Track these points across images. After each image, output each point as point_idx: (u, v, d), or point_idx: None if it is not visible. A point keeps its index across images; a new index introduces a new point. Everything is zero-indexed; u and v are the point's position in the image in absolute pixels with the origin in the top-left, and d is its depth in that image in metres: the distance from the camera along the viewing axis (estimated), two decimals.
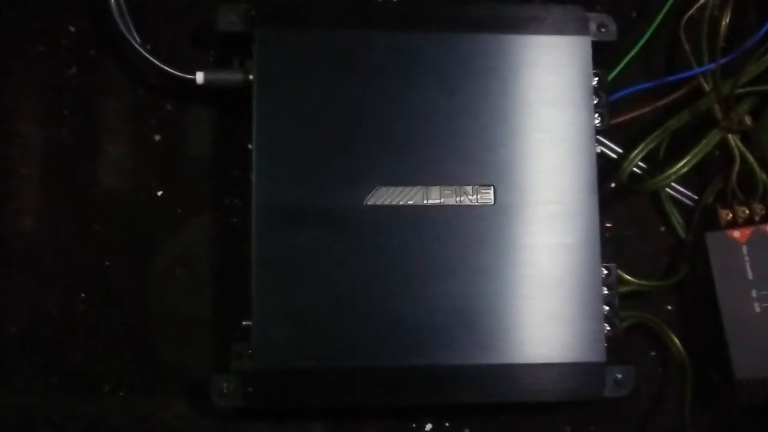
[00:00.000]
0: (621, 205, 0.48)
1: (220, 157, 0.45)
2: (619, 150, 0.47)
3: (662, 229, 0.48)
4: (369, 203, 0.41)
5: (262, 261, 0.40)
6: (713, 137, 0.45)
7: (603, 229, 0.47)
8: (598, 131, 0.45)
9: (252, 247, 0.41)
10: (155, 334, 0.44)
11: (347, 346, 0.41)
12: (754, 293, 0.43)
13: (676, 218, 0.47)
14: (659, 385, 0.47)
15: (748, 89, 0.46)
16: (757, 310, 0.43)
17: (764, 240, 0.44)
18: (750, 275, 0.44)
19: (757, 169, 0.45)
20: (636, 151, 0.46)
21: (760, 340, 0.43)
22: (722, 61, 0.44)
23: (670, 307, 0.47)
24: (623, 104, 0.47)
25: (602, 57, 0.46)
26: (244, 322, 0.41)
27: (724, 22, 0.44)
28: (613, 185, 0.47)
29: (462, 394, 0.42)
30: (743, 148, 0.45)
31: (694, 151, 0.44)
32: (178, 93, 0.45)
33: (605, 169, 0.47)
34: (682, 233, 0.47)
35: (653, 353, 0.47)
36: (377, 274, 0.41)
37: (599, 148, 0.45)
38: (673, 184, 0.47)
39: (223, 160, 0.45)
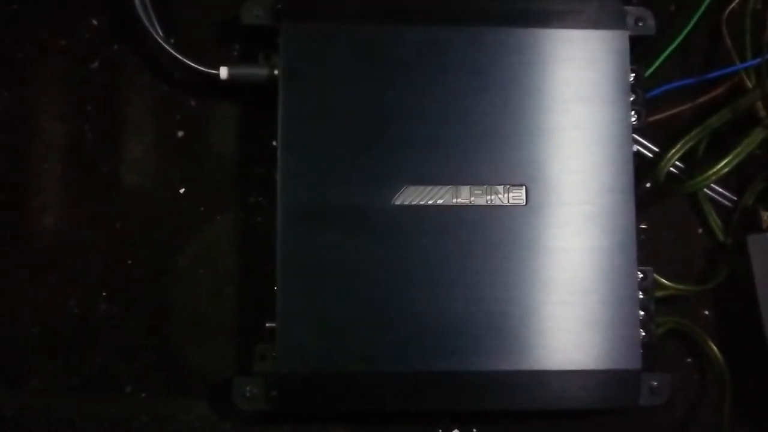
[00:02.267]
0: (657, 206, 0.46)
1: (244, 154, 0.45)
2: (656, 149, 0.46)
3: (700, 231, 0.46)
4: (397, 203, 0.40)
5: (286, 262, 0.39)
6: (756, 136, 0.43)
7: (639, 231, 0.45)
8: (635, 129, 0.43)
9: (276, 247, 0.40)
10: (177, 334, 0.43)
11: (373, 350, 0.39)
12: None
13: (715, 220, 0.45)
14: (696, 394, 0.45)
15: None
16: None
17: None
18: None
19: None
20: (674, 150, 0.44)
21: None
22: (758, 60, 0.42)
23: (707, 313, 0.46)
24: (661, 101, 0.45)
25: (640, 52, 0.44)
26: (267, 324, 0.40)
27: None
28: (648, 185, 0.46)
29: (490, 400, 0.41)
30: None
31: (737, 151, 0.42)
32: (201, 88, 0.44)
33: (641, 168, 0.45)
34: (720, 236, 0.45)
35: (690, 360, 0.45)
36: (404, 276, 0.40)
37: (636, 147, 0.43)
38: (714, 185, 0.45)
39: (247, 158, 0.45)
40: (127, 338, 0.43)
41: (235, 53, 0.45)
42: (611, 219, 0.41)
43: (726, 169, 0.42)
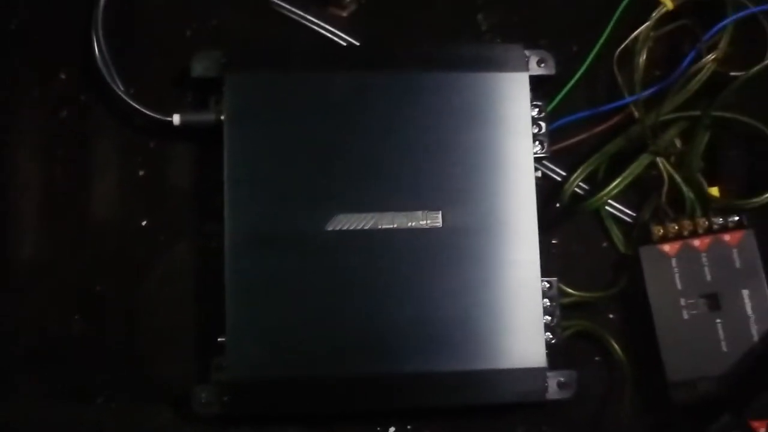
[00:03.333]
0: (567, 223, 0.52)
1: (198, 188, 0.50)
2: (564, 173, 0.52)
3: (605, 244, 0.52)
4: (329, 229, 0.46)
5: (234, 282, 0.45)
6: (643, 161, 0.49)
7: (548, 246, 0.51)
8: (541, 157, 0.49)
9: (225, 269, 0.45)
10: (144, 350, 0.49)
11: (312, 357, 0.45)
12: (682, 302, 0.48)
13: (617, 234, 0.51)
14: (604, 389, 0.51)
15: (678, 114, 0.50)
16: (686, 317, 0.47)
17: (691, 253, 0.48)
18: (679, 285, 0.48)
19: (684, 188, 0.49)
20: (576, 174, 0.50)
21: (689, 344, 0.47)
22: (646, 93, 0.48)
23: (612, 316, 0.51)
24: (569, 131, 0.51)
25: (547, 89, 0.51)
26: (219, 339, 0.46)
27: (639, 62, 0.49)
28: (558, 205, 0.52)
29: (422, 398, 0.46)
30: (671, 170, 0.49)
31: (625, 174, 0.49)
32: (159, 133, 0.50)
33: (552, 190, 0.52)
34: (622, 248, 0.51)
35: (597, 359, 0.51)
36: (338, 292, 0.46)
37: (539, 172, 0.49)
38: (613, 203, 0.51)
39: (201, 191, 0.50)
40: (98, 354, 0.49)
41: (190, 99, 0.51)
42: (517, 236, 0.47)
43: (616, 191, 0.48)
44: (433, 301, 0.46)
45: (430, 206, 0.47)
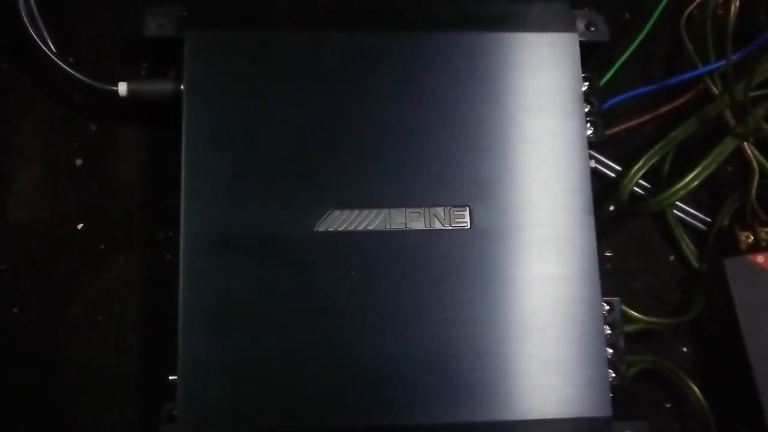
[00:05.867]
0: (623, 231, 0.42)
1: (152, 184, 0.39)
2: (618, 167, 0.41)
3: (672, 258, 0.41)
4: (320, 230, 0.35)
5: (190, 302, 0.33)
6: (726, 146, 0.38)
7: (603, 259, 0.40)
8: (592, 143, 0.38)
9: (179, 285, 0.34)
10: (69, 393, 0.37)
11: (294, 405, 0.33)
12: None
13: (687, 244, 0.40)
14: None
15: (765, 91, 0.40)
16: None
17: None
18: None
19: None
20: (636, 167, 0.39)
21: None
22: (733, 58, 0.38)
23: (686, 350, 0.40)
24: (621, 114, 0.41)
25: (595, 61, 0.40)
26: (170, 377, 0.34)
27: (731, 18, 0.39)
28: (612, 208, 0.41)
29: None
30: (762, 159, 0.39)
31: (705, 162, 0.38)
32: (102, 111, 0.39)
33: (603, 190, 0.41)
34: (695, 262, 0.40)
35: (668, 405, 0.40)
36: (330, 315, 0.34)
37: (593, 162, 0.38)
38: (681, 204, 0.41)
39: (155, 188, 0.39)
40: (10, 398, 0.37)
41: (145, 71, 0.40)
42: (569, 243, 0.36)
43: (695, 183, 0.38)
44: (458, 329, 0.34)
45: (454, 202, 0.36)
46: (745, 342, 0.37)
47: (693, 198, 0.42)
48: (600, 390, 0.35)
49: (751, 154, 0.38)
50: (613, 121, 0.41)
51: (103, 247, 0.39)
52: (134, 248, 0.39)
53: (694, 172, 0.38)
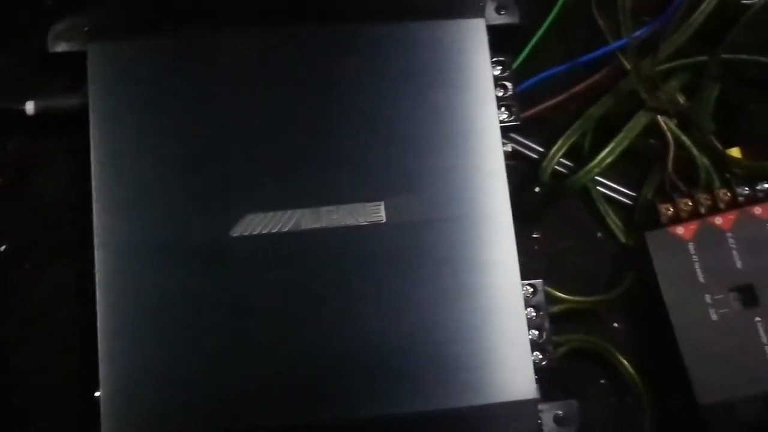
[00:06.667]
0: (551, 212, 0.41)
1: (75, 198, 0.39)
2: (541, 149, 0.41)
3: (599, 234, 0.41)
4: (235, 235, 0.35)
5: (107, 314, 0.34)
6: (639, 121, 0.38)
7: (530, 241, 0.40)
8: (508, 126, 0.39)
9: (97, 296, 0.34)
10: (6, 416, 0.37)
11: (219, 408, 0.33)
12: (708, 299, 0.36)
13: (613, 220, 0.40)
14: (616, 420, 0.39)
15: (679, 62, 0.40)
16: (714, 318, 0.36)
17: (714, 235, 0.37)
18: (701, 278, 0.37)
19: (696, 153, 0.38)
20: (556, 147, 0.39)
21: (722, 354, 0.36)
22: (637, 33, 0.38)
23: (617, 326, 0.40)
24: (545, 95, 0.41)
25: (512, 44, 0.40)
26: (96, 394, 0.34)
27: None
28: (537, 190, 0.41)
29: None
30: (678, 131, 0.39)
31: (617, 139, 0.38)
32: (16, 129, 0.39)
33: (529, 171, 0.41)
34: (622, 237, 0.40)
35: (603, 381, 0.40)
36: (251, 318, 0.34)
37: (509, 146, 0.38)
38: (605, 180, 0.41)
39: (80, 203, 0.38)
40: None
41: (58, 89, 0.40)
42: (486, 229, 0.36)
43: (610, 159, 0.38)
44: (381, 323, 0.35)
45: (368, 197, 0.36)
46: (670, 315, 0.37)
47: (620, 173, 0.42)
48: (524, 373, 0.35)
49: (665, 127, 0.38)
50: (532, 102, 0.41)
51: (27, 267, 0.38)
52: (60, 266, 0.38)
53: (608, 149, 0.38)
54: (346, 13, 0.38)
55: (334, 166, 0.36)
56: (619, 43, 0.39)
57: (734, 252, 0.37)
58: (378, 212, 0.36)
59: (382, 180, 0.36)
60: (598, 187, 0.41)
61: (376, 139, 0.36)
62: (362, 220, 0.35)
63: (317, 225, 0.35)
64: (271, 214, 0.35)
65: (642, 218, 0.40)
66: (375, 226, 0.35)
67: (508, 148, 0.38)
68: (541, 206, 0.41)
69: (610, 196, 0.41)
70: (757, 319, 0.36)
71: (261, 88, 0.36)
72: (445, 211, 0.36)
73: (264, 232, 0.35)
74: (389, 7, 0.38)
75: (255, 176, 0.35)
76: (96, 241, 0.34)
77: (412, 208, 0.36)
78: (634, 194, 0.41)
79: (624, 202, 0.41)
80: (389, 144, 0.36)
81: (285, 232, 0.35)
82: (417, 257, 0.35)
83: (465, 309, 0.35)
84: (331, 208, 0.35)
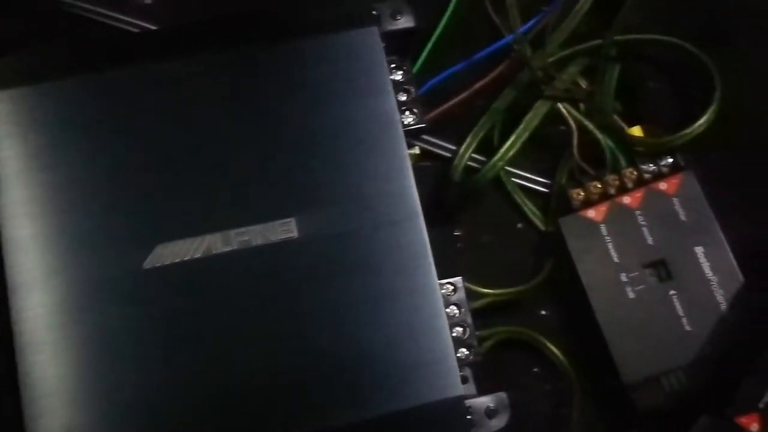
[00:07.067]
0: (471, 208, 0.42)
1: None
2: (454, 147, 0.42)
3: (520, 225, 0.42)
4: (149, 267, 0.35)
5: (25, 355, 0.34)
6: (539, 110, 0.39)
7: (451, 240, 0.41)
8: (414, 130, 0.39)
9: (13, 338, 0.34)
10: None
11: None
12: (623, 277, 0.37)
13: (531, 209, 0.41)
14: (551, 405, 0.40)
15: (575, 48, 0.40)
16: (631, 296, 0.37)
17: (623, 214, 0.38)
18: (615, 257, 0.37)
19: (600, 136, 0.39)
20: (465, 144, 0.40)
21: (642, 331, 0.36)
22: (524, 28, 0.38)
23: (544, 313, 0.41)
24: (450, 94, 0.41)
25: (414, 48, 0.41)
26: None
27: None
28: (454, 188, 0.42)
29: None
30: (580, 117, 0.39)
31: (519, 130, 0.38)
32: None
33: (445, 172, 0.42)
34: (541, 225, 0.41)
35: (536, 369, 0.40)
36: (172, 348, 0.34)
37: (416, 149, 0.38)
38: (520, 171, 0.41)
39: None
40: None
41: None
42: (398, 234, 0.36)
43: (512, 152, 0.38)
44: (301, 338, 0.35)
45: (278, 214, 0.36)
46: (588, 296, 0.37)
47: (534, 162, 0.42)
48: (448, 371, 0.35)
49: (567, 113, 0.39)
50: (438, 103, 0.41)
51: None
52: None
53: (509, 142, 0.38)
54: (242, 37, 0.38)
55: (242, 188, 0.36)
56: (508, 38, 0.39)
57: (644, 229, 0.37)
58: (289, 229, 0.36)
59: (292, 196, 0.36)
60: (513, 179, 0.41)
61: (282, 157, 0.36)
62: (274, 239, 0.36)
63: (229, 248, 0.35)
64: (181, 242, 0.35)
65: (557, 205, 0.40)
66: (287, 243, 0.36)
67: (416, 150, 0.39)
68: (458, 204, 0.41)
69: (527, 186, 0.42)
70: (672, 292, 0.37)
71: (162, 117, 0.36)
72: (356, 220, 0.36)
73: (176, 261, 0.35)
74: (285, 26, 0.38)
75: (163, 206, 0.35)
76: (8, 282, 0.34)
77: (323, 221, 0.36)
78: (549, 182, 0.42)
79: (541, 190, 0.42)
80: (296, 160, 0.36)
81: (198, 259, 0.35)
82: (333, 269, 0.36)
83: (384, 315, 0.35)
84: (241, 230, 0.36)
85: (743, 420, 0.31)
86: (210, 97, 0.37)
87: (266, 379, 0.34)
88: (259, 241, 0.36)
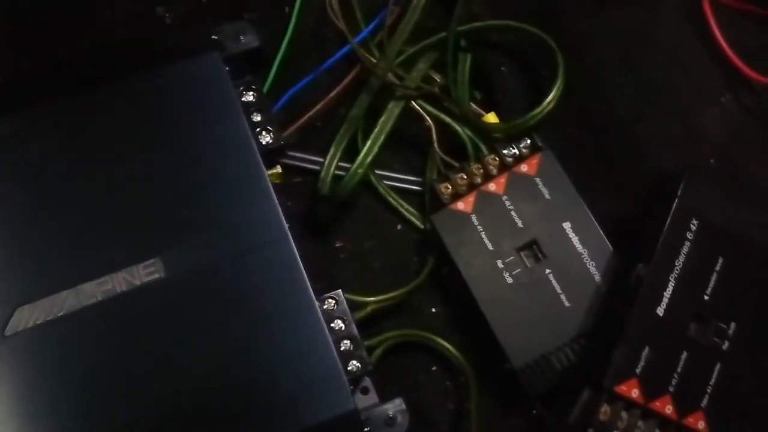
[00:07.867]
0: (348, 218, 0.42)
1: None
2: (321, 159, 0.41)
3: (399, 227, 0.42)
4: (10, 333, 0.33)
5: None
6: (392, 111, 0.39)
7: (333, 252, 0.41)
8: (274, 149, 0.38)
9: None
10: None
11: None
12: (500, 263, 0.37)
13: (407, 210, 0.41)
14: (455, 401, 0.40)
15: (421, 44, 0.40)
16: (510, 281, 0.37)
17: (490, 201, 0.38)
18: (489, 245, 0.37)
19: (457, 127, 0.39)
20: (329, 156, 0.40)
21: (525, 313, 0.36)
22: (365, 32, 0.38)
23: (435, 310, 0.41)
24: (307, 107, 0.41)
25: (262, 68, 0.40)
26: None
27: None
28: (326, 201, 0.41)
29: None
30: (434, 111, 0.39)
31: (374, 134, 0.38)
32: None
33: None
34: (420, 224, 0.41)
35: (435, 368, 0.40)
36: (43, 412, 0.33)
37: (278, 167, 0.38)
38: (393, 174, 0.41)
39: None
40: None
41: None
42: (268, 257, 0.35)
43: (370, 157, 0.38)
44: (185, 376, 0.34)
45: (142, 256, 0.35)
46: (470, 288, 0.37)
47: (405, 162, 0.42)
48: (339, 387, 0.35)
49: (421, 110, 0.39)
50: (295, 117, 0.41)
51: None
52: None
53: (366, 148, 0.38)
54: (80, 80, 0.37)
55: (101, 235, 0.35)
56: (346, 48, 0.39)
57: (513, 213, 0.38)
58: (155, 269, 0.35)
59: (154, 236, 0.35)
60: (386, 181, 0.41)
61: (138, 197, 0.35)
62: (138, 282, 0.35)
63: (94, 300, 0.34)
64: (41, 302, 0.34)
65: (431, 202, 0.40)
66: (155, 284, 0.35)
67: (278, 169, 0.38)
68: (334, 215, 0.41)
69: (401, 186, 0.42)
70: (548, 271, 0.37)
71: (5, 174, 0.35)
72: (224, 250, 0.35)
73: (42, 321, 0.34)
74: (122, 63, 0.37)
75: (18, 266, 0.34)
76: None
77: (189, 256, 0.35)
78: (421, 179, 0.42)
79: (415, 189, 0.42)
80: (153, 198, 0.35)
81: (62, 316, 0.34)
82: (206, 302, 0.35)
83: (267, 340, 0.35)
84: (103, 279, 0.34)
85: (622, 388, 0.32)
86: (54, 147, 0.36)
87: (152, 424, 0.33)
88: (123, 287, 0.34)
